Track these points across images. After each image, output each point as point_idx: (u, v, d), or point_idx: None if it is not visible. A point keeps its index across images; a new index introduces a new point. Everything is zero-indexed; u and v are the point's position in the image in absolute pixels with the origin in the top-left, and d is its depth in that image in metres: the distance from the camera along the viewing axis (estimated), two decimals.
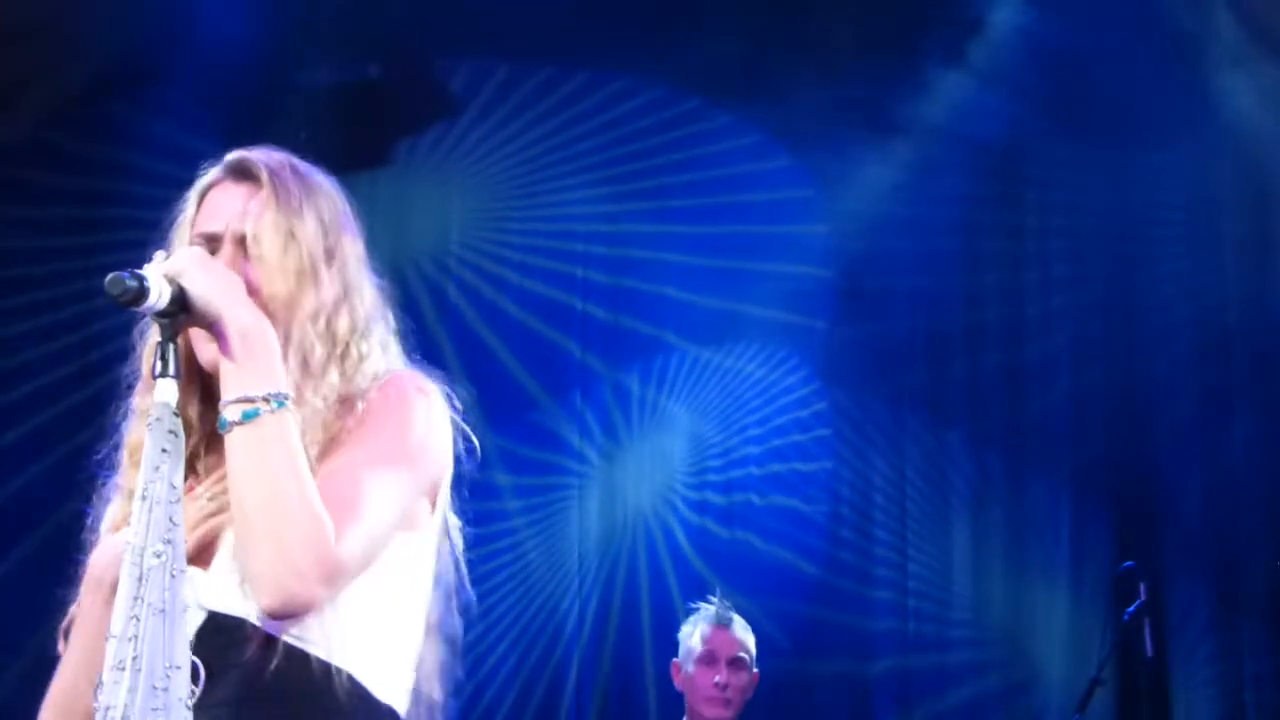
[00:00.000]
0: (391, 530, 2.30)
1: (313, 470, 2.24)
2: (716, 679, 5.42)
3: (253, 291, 2.31)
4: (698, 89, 7.16)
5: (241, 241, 2.35)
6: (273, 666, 2.23)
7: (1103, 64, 6.83)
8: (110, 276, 2.15)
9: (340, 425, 2.31)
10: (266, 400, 2.19)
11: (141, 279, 2.16)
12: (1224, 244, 7.11)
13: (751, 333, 7.21)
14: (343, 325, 2.35)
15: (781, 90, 6.99)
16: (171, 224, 2.42)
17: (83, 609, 2.34)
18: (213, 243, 2.36)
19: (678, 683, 5.56)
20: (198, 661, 2.20)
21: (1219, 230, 7.11)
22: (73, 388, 6.54)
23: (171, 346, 2.20)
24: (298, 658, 2.24)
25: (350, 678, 2.27)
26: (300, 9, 6.61)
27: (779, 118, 7.12)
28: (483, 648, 6.85)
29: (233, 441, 2.19)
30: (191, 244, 2.37)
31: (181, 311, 2.20)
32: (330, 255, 2.37)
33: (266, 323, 2.25)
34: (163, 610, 2.11)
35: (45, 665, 2.41)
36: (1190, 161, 6.89)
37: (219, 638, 2.23)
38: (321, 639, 2.25)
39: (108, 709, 2.10)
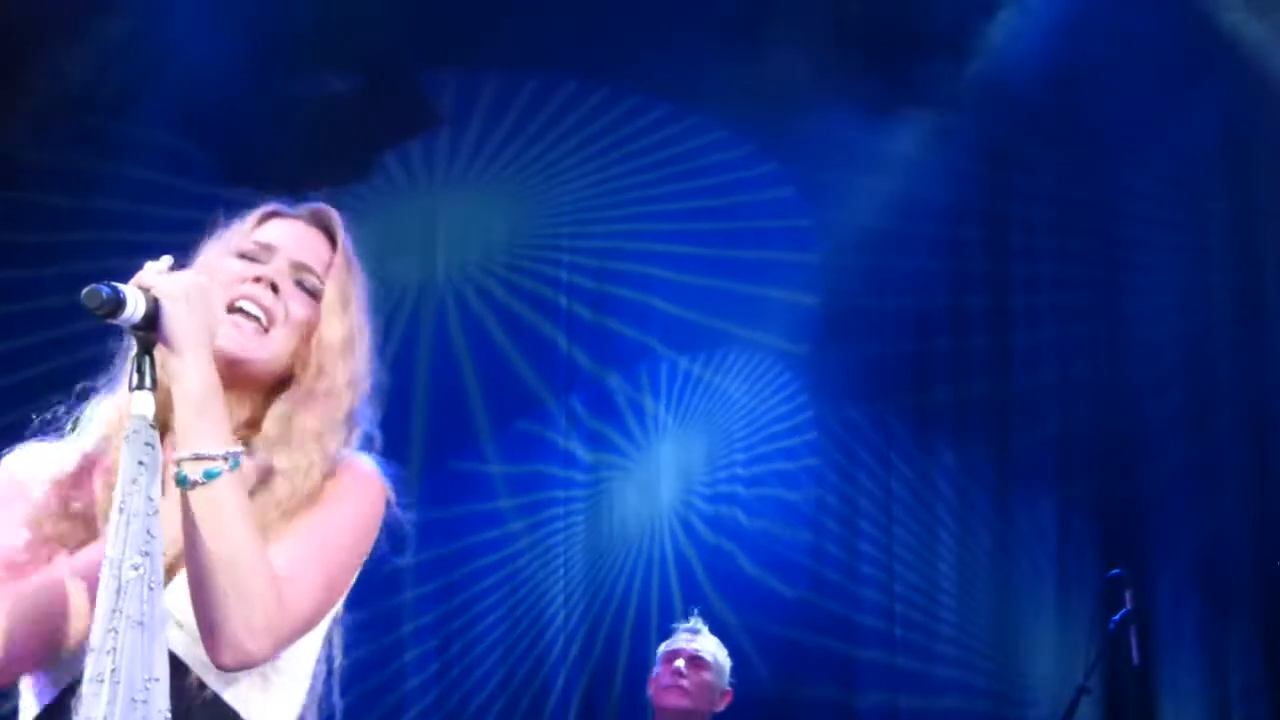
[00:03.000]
0: (334, 606, 2.43)
1: (283, 515, 2.34)
2: (674, 668, 5.49)
3: (305, 327, 2.46)
4: (681, 98, 7.18)
5: (301, 270, 2.48)
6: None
7: (1096, 72, 6.85)
8: (87, 288, 2.16)
9: (312, 485, 2.41)
10: (225, 459, 2.23)
11: (117, 292, 2.17)
12: (1210, 251, 7.13)
13: (739, 346, 7.21)
14: (359, 399, 2.50)
15: (771, 100, 7.00)
16: (213, 232, 2.53)
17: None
18: (267, 252, 2.48)
19: (650, 692, 5.60)
20: None
21: (1205, 234, 7.13)
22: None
23: (148, 359, 2.21)
24: (226, 714, 2.32)
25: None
26: (281, 24, 6.60)
27: (767, 128, 7.12)
28: (470, 659, 6.84)
29: (193, 500, 2.22)
30: (240, 248, 2.48)
31: (152, 329, 2.21)
32: (362, 333, 2.53)
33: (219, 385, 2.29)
34: (141, 623, 2.11)
35: None
36: (1178, 164, 6.91)
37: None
38: (250, 697, 2.34)
39: None
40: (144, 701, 2.10)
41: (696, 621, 5.72)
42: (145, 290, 2.20)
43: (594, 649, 6.98)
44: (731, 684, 5.58)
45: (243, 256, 2.47)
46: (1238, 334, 6.96)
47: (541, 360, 7.15)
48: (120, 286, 2.18)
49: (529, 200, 7.20)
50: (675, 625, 5.77)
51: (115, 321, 2.18)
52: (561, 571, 7.04)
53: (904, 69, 6.94)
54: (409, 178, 7.14)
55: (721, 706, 5.56)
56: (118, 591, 2.11)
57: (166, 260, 2.28)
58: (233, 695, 2.34)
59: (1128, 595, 5.80)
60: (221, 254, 2.47)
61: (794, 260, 7.18)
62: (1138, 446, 7.01)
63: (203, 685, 2.31)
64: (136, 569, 2.12)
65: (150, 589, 2.12)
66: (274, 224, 2.53)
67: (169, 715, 2.14)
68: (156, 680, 2.12)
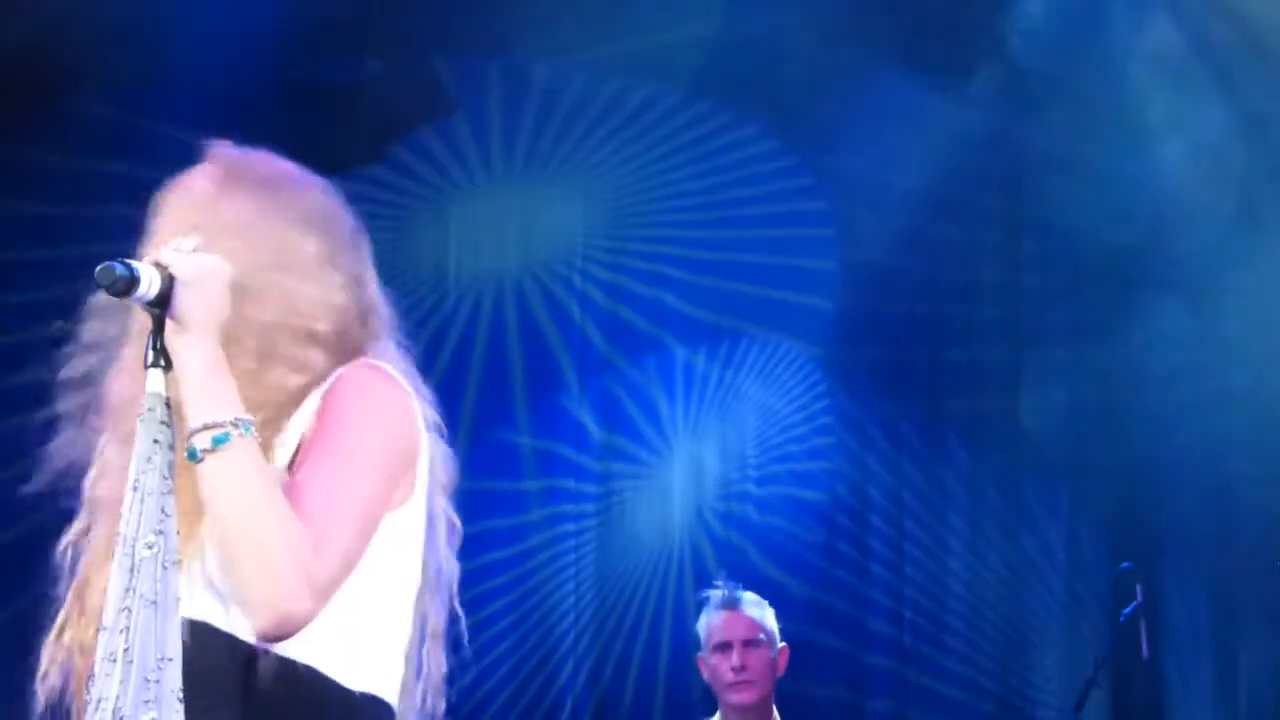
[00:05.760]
0: (374, 527, 2.31)
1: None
2: (733, 663, 5.35)
3: None
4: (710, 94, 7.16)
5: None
6: (238, 671, 2.24)
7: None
8: (101, 265, 2.17)
9: (301, 375, 2.34)
10: (235, 425, 2.19)
11: (131, 269, 2.17)
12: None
13: (749, 339, 7.20)
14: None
15: (782, 91, 6.98)
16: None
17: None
18: None
19: (705, 676, 5.51)
20: None
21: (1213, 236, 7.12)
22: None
23: (161, 338, 2.21)
24: (254, 656, 2.25)
25: (310, 670, 2.26)
26: (296, 5, 6.59)
27: (778, 112, 7.10)
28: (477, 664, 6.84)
29: (206, 470, 2.19)
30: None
31: (164, 306, 2.21)
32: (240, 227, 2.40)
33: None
34: (154, 602, 2.11)
35: None
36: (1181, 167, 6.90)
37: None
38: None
39: (99, 701, 2.10)
40: (157, 681, 2.10)
41: (729, 589, 5.48)
42: (163, 269, 2.21)
43: (602, 634, 6.98)
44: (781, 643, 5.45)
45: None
46: (1252, 324, 6.94)
47: (555, 348, 7.13)
48: (135, 264, 2.19)
49: (546, 194, 7.16)
50: (707, 594, 5.53)
51: (128, 299, 2.19)
52: (573, 570, 7.02)
53: (926, 44, 6.90)
54: (423, 166, 7.11)
55: (784, 669, 5.43)
56: (131, 570, 2.12)
57: (192, 242, 2.28)
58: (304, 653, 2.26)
59: (1138, 588, 5.80)
60: None
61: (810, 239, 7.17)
62: (1148, 439, 7.00)
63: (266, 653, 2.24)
64: (150, 548, 2.12)
65: (164, 568, 2.13)
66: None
67: (181, 695, 2.14)
68: (170, 660, 2.12)
